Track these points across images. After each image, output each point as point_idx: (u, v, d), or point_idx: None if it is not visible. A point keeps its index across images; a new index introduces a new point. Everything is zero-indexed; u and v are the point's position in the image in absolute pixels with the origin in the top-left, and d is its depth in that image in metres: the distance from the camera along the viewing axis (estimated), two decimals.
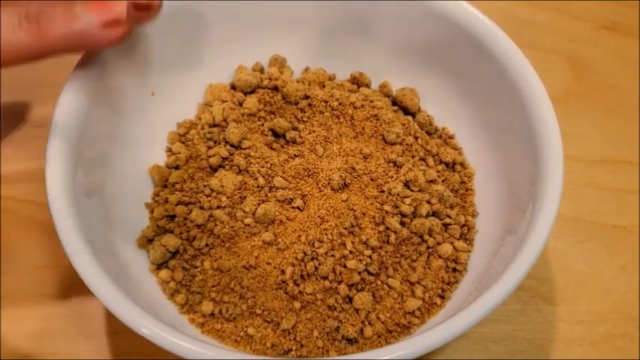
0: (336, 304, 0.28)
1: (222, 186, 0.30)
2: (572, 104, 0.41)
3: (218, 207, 0.30)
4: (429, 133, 0.34)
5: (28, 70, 0.40)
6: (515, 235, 0.27)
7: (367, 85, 0.36)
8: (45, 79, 0.39)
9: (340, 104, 0.33)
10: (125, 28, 0.25)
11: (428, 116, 0.34)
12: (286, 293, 0.28)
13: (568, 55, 0.43)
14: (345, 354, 0.28)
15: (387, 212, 0.29)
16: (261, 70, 0.36)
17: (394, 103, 0.35)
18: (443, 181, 0.32)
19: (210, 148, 0.32)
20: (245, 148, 0.31)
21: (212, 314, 0.28)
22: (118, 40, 0.25)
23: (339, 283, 0.28)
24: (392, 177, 0.30)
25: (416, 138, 0.33)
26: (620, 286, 0.34)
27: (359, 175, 0.30)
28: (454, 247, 0.30)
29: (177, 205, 0.30)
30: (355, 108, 0.33)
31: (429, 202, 0.30)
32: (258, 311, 0.28)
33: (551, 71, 0.42)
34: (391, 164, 0.31)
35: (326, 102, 0.33)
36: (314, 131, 0.32)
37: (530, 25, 0.45)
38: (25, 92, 0.39)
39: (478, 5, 0.32)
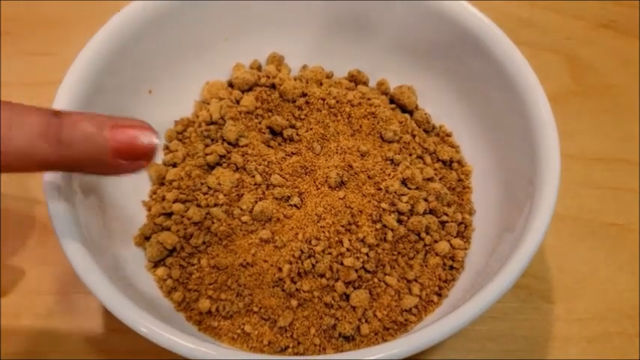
0: (333, 302, 0.28)
1: (219, 184, 0.30)
2: (570, 103, 0.41)
3: (215, 205, 0.30)
4: (426, 131, 0.34)
5: (26, 69, 0.41)
6: (512, 233, 0.27)
7: (365, 83, 0.36)
8: (43, 77, 0.39)
9: (338, 102, 0.33)
10: (146, 162, 0.23)
11: (425, 114, 0.34)
12: (283, 291, 0.28)
13: (566, 54, 0.43)
14: (341, 351, 0.28)
15: (384, 210, 0.29)
16: (259, 68, 0.36)
17: (392, 101, 0.35)
18: (440, 179, 0.32)
19: (207, 145, 0.32)
20: (242, 146, 0.31)
21: (209, 312, 0.28)
22: (132, 171, 0.23)
23: (336, 280, 0.28)
24: (389, 175, 0.30)
25: (413, 136, 0.33)
26: (618, 285, 0.34)
27: (356, 173, 0.30)
28: (451, 245, 0.30)
29: (174, 202, 0.30)
30: (353, 106, 0.33)
31: (426, 199, 0.30)
32: (255, 309, 0.28)
33: (549, 70, 0.42)
34: (388, 162, 0.31)
35: (323, 100, 0.33)
36: (311, 129, 0.32)
37: (528, 23, 0.45)
38: (24, 91, 0.39)
39: (476, 4, 0.32)
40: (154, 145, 0.23)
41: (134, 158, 0.23)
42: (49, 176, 0.26)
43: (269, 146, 0.32)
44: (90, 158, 0.22)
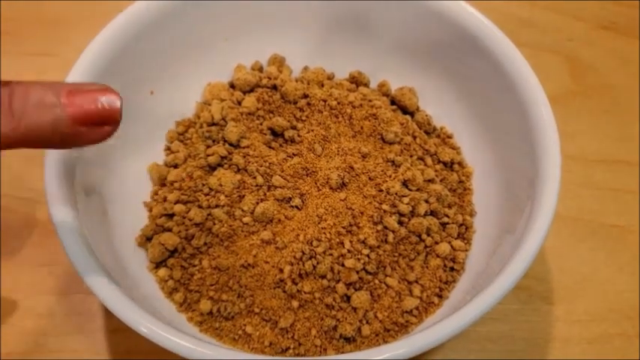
0: (334, 303, 0.28)
1: (220, 185, 0.30)
2: (570, 104, 0.41)
3: (217, 206, 0.30)
4: (427, 133, 0.34)
5: (26, 69, 0.40)
6: (513, 234, 0.27)
7: (366, 85, 0.36)
8: (43, 77, 0.39)
9: (339, 103, 0.33)
10: (110, 128, 0.21)
11: (426, 116, 0.34)
12: (284, 292, 0.28)
13: (566, 55, 0.43)
14: (342, 353, 0.28)
15: (385, 211, 0.29)
16: (260, 69, 0.36)
17: (393, 102, 0.35)
18: (441, 181, 0.32)
19: (208, 146, 0.32)
20: (244, 147, 0.31)
21: (210, 313, 0.28)
22: (97, 141, 0.21)
23: (337, 282, 0.28)
24: (390, 176, 0.30)
25: (414, 137, 0.33)
26: (618, 286, 0.34)
27: (357, 175, 0.30)
28: (452, 247, 0.30)
29: (175, 203, 0.30)
30: (354, 107, 0.33)
31: (427, 201, 0.30)
32: (257, 310, 0.28)
33: (550, 71, 0.42)
34: (389, 163, 0.31)
35: (325, 101, 0.33)
36: (312, 130, 0.32)
37: (528, 24, 0.45)
38: None
39: (476, 5, 0.32)
40: (116, 108, 0.21)
41: (96, 124, 0.21)
42: (51, 176, 0.26)
43: (270, 147, 0.32)
44: (47, 128, 0.20)
